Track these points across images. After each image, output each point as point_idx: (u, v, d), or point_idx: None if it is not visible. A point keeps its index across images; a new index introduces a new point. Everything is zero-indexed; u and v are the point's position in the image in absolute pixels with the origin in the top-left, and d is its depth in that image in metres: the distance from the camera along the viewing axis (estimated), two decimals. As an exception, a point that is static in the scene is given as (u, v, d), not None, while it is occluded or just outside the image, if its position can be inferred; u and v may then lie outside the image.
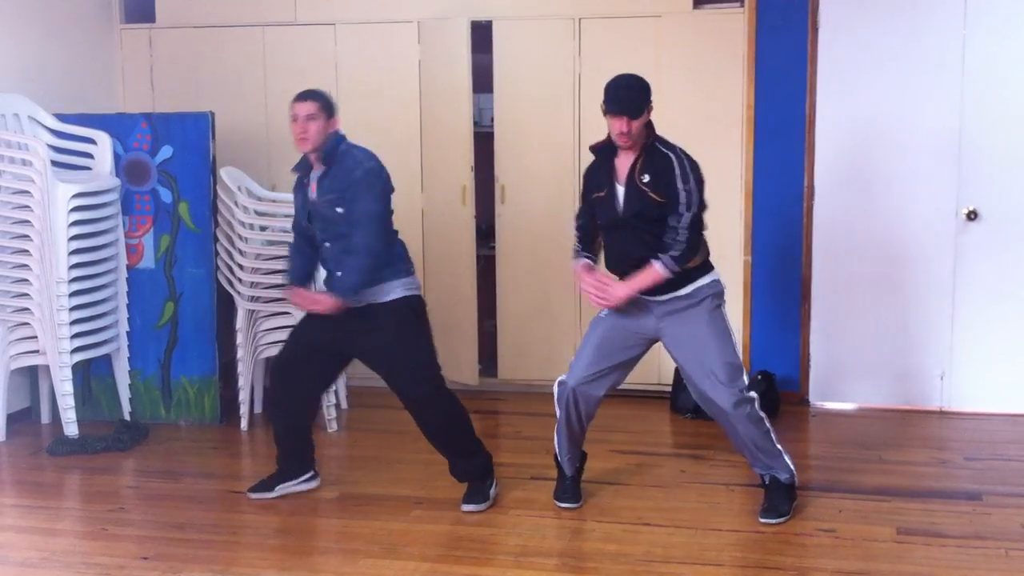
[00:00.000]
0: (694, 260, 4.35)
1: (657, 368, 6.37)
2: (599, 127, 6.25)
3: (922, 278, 6.06)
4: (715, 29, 6.17)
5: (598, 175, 4.47)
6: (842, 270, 6.18)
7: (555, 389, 4.63)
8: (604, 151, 4.45)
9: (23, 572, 4.12)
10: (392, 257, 4.57)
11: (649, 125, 4.36)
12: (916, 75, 5.97)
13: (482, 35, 6.42)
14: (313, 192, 4.56)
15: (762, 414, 4.47)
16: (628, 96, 4.28)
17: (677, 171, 4.26)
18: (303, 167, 4.64)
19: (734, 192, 6.16)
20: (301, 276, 4.77)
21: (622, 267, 4.45)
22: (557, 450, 4.75)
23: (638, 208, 4.31)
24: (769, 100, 6.13)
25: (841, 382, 6.26)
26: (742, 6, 6.13)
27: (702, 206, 4.33)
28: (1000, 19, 5.85)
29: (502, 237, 6.59)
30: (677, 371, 6.22)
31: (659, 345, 5.73)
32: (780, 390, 6.16)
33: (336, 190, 4.49)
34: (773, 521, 4.47)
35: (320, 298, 4.55)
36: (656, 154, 4.32)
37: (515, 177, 6.51)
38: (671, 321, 4.43)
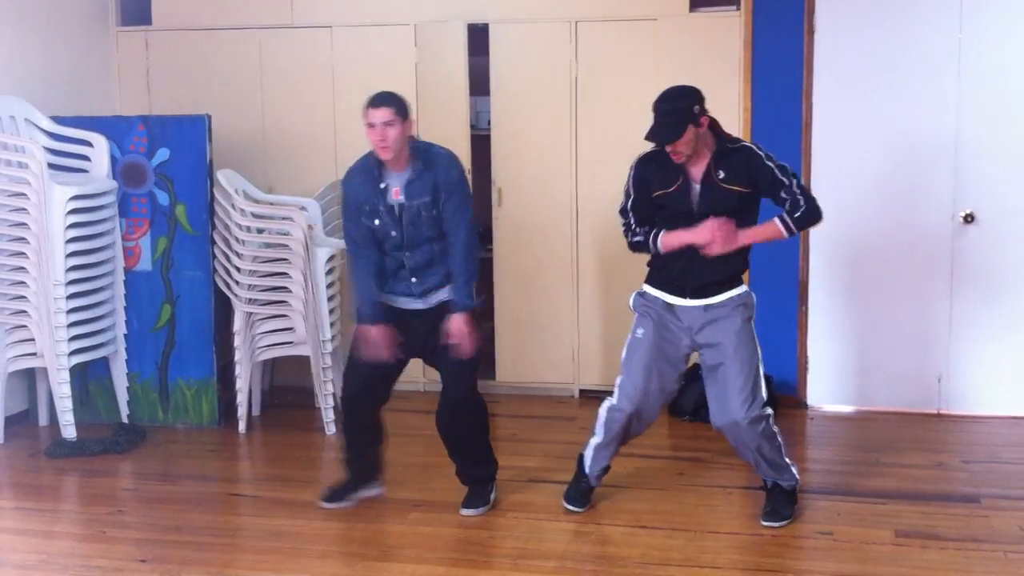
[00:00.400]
0: (818, 222, 4.41)
1: (679, 376, 6.37)
2: (596, 130, 6.30)
3: (920, 281, 6.07)
4: (711, 32, 6.17)
5: (665, 171, 4.37)
6: (839, 273, 6.18)
7: (603, 414, 4.58)
8: (662, 152, 4.36)
9: (21, 574, 4.12)
10: None
11: (714, 126, 4.36)
12: (912, 79, 5.98)
13: (479, 38, 6.43)
14: (397, 196, 4.42)
15: (775, 429, 4.47)
16: (662, 122, 4.25)
17: (760, 154, 4.33)
18: (371, 172, 4.45)
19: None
20: (379, 311, 4.51)
21: (686, 259, 4.38)
22: (589, 464, 4.70)
23: (716, 204, 4.31)
24: (765, 103, 6.14)
25: (839, 385, 6.27)
26: (738, 9, 6.14)
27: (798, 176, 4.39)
28: (996, 23, 5.85)
29: (499, 240, 6.59)
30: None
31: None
32: (778, 393, 6.15)
33: (430, 192, 4.38)
34: (775, 525, 4.47)
35: (458, 328, 4.41)
36: (727, 152, 4.34)
37: (512, 180, 6.51)
38: (703, 333, 4.42)
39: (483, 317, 6.67)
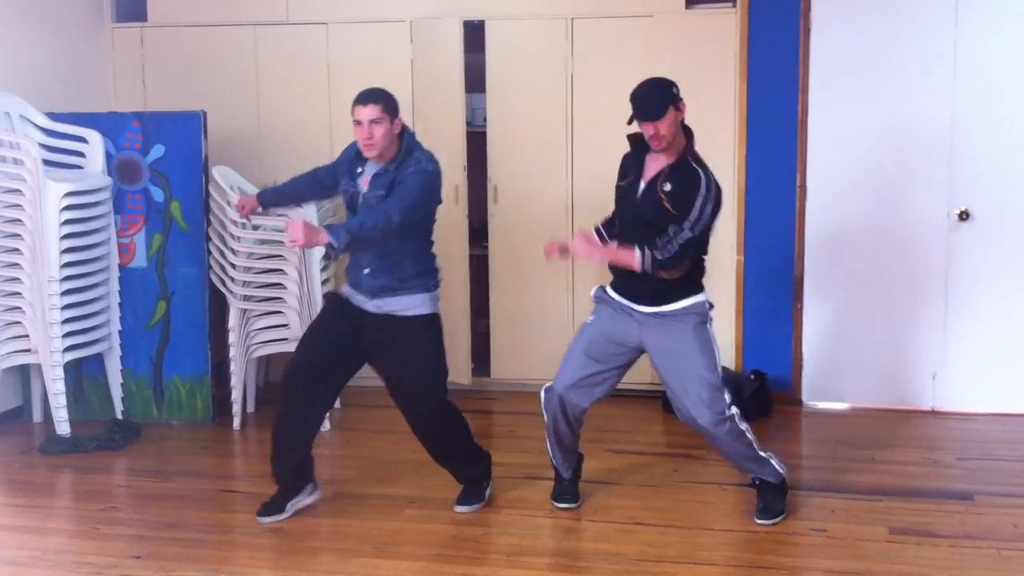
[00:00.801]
0: (673, 273, 4.29)
1: (650, 368, 6.36)
2: (592, 127, 6.30)
3: (914, 278, 6.08)
4: (707, 29, 6.17)
5: (628, 165, 4.46)
6: (834, 270, 6.19)
7: (542, 395, 4.62)
8: (641, 144, 4.39)
9: (14, 571, 4.11)
10: (424, 268, 4.49)
11: (688, 134, 4.35)
12: (908, 76, 5.98)
13: (475, 35, 6.42)
14: (364, 186, 4.42)
15: (743, 427, 4.41)
16: (647, 101, 4.26)
17: (702, 191, 4.23)
18: (359, 155, 4.46)
19: (727, 192, 6.12)
20: (276, 195, 4.87)
21: (662, 288, 4.39)
22: (551, 455, 4.74)
23: (650, 212, 4.29)
24: (761, 100, 6.14)
25: (834, 382, 6.27)
26: (734, 6, 6.14)
27: (706, 232, 4.30)
28: (991, 19, 5.86)
29: (495, 237, 6.59)
30: (670, 371, 6.23)
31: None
32: (772, 390, 6.17)
33: (385, 188, 4.36)
34: (769, 522, 4.47)
35: (294, 225, 4.07)
36: (686, 168, 4.29)
37: (508, 177, 6.51)
38: (654, 333, 4.40)
39: (478, 314, 6.72)
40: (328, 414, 5.89)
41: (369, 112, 4.30)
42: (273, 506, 4.63)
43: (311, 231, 4.04)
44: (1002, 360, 6.03)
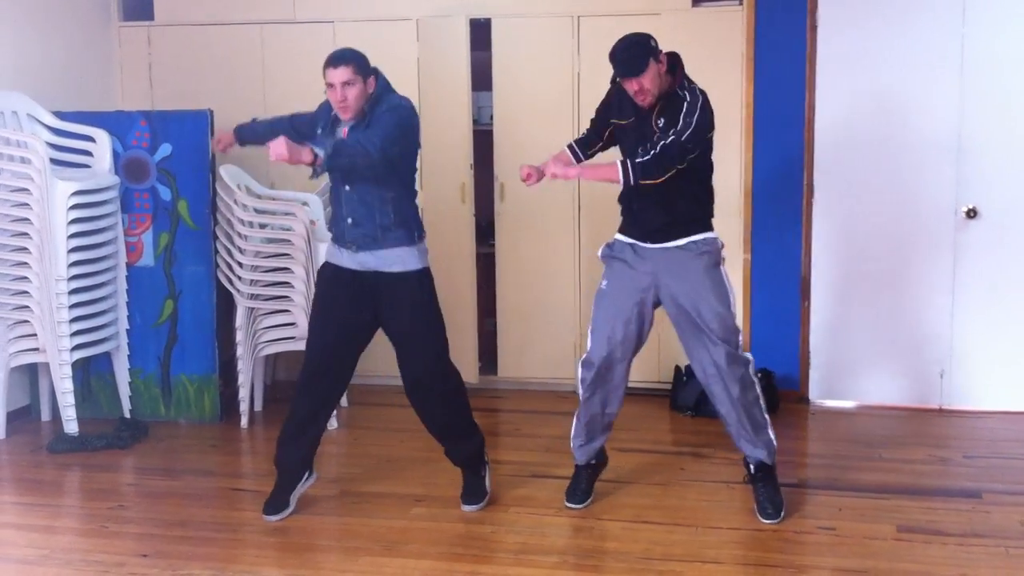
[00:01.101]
0: (657, 179, 4.22)
1: (657, 366, 6.38)
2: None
3: (922, 276, 6.07)
4: (714, 27, 6.17)
5: (623, 102, 4.44)
6: (842, 268, 6.18)
7: (579, 371, 4.60)
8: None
9: (23, 569, 4.12)
10: (406, 217, 4.45)
11: (675, 72, 4.34)
12: (915, 73, 5.97)
13: (481, 33, 6.42)
14: (344, 135, 4.39)
15: (755, 378, 4.47)
16: (626, 56, 4.29)
17: (686, 106, 4.25)
18: (335, 115, 4.45)
19: (733, 190, 6.16)
20: (254, 133, 4.79)
21: (633, 204, 4.43)
22: (572, 437, 4.70)
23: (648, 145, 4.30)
24: (768, 98, 6.13)
25: (841, 380, 6.26)
26: (741, 4, 6.13)
27: (699, 145, 4.26)
28: (999, 17, 5.85)
29: (502, 235, 6.59)
30: (677, 368, 6.23)
31: (657, 342, 5.75)
32: (779, 388, 6.17)
33: (374, 134, 4.32)
34: (775, 521, 4.45)
35: (277, 142, 4.11)
36: (674, 97, 4.32)
37: (515, 175, 6.45)
38: (666, 271, 4.42)
39: (485, 312, 6.72)
40: (336, 412, 5.91)
41: (341, 74, 4.29)
42: (278, 503, 4.64)
43: (293, 147, 4.09)
44: (1010, 358, 6.02)
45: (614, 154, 4.57)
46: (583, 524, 4.53)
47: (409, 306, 4.47)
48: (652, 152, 4.20)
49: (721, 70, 6.14)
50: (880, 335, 6.17)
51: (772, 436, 4.55)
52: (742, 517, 4.56)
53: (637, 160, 4.21)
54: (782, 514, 4.49)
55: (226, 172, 5.92)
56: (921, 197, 6.02)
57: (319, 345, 4.53)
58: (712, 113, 4.33)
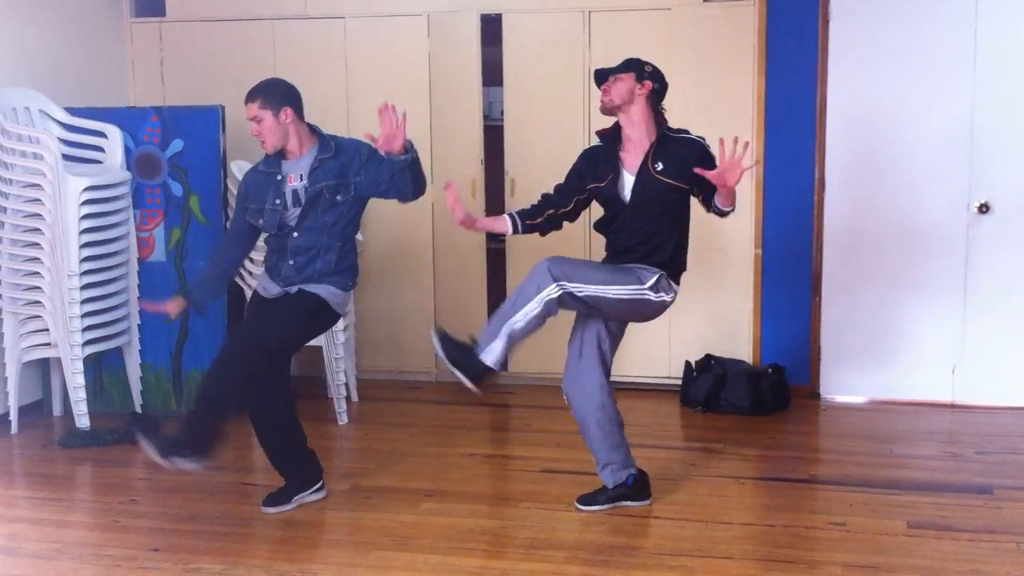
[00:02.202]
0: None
1: (668, 361, 6.37)
2: (609, 120, 6.27)
3: (933, 271, 6.05)
4: (725, 21, 6.15)
5: (601, 165, 4.45)
6: (853, 263, 6.17)
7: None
8: (610, 139, 4.46)
9: (35, 564, 4.14)
10: (345, 265, 4.53)
11: (659, 116, 4.41)
12: (927, 67, 5.95)
13: (492, 28, 6.42)
14: (293, 182, 4.41)
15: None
16: (607, 68, 4.40)
17: (707, 147, 4.34)
18: (272, 165, 4.47)
19: (745, 185, 6.12)
20: (209, 292, 4.74)
21: (635, 248, 4.40)
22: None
23: (649, 196, 4.32)
24: (780, 93, 6.12)
25: (852, 375, 6.25)
26: (752, -2, 6.13)
27: None
28: (1012, 11, 5.83)
29: (512, 230, 6.58)
30: (687, 364, 6.23)
31: (667, 337, 5.75)
32: (790, 383, 6.16)
33: (335, 176, 4.39)
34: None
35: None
36: (666, 139, 4.35)
37: (525, 170, 6.51)
38: None
39: (495, 308, 6.71)
40: (345, 408, 5.92)
41: (249, 111, 4.38)
42: (279, 498, 4.67)
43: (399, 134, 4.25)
44: (1022, 353, 6.00)
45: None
46: (593, 519, 4.52)
47: (286, 308, 4.47)
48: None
49: (733, 65, 6.13)
50: (891, 330, 6.15)
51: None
52: (753, 512, 4.56)
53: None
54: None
55: (237, 167, 5.94)
56: (933, 192, 6.01)
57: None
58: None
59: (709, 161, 4.31)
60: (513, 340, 4.35)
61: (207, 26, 6.79)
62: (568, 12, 6.34)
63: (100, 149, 5.89)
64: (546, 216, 4.56)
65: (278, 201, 4.43)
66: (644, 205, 4.35)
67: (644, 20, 6.24)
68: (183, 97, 6.63)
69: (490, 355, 4.31)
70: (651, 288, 4.33)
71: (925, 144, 5.99)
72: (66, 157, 5.69)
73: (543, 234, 4.62)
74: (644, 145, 4.37)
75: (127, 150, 5.93)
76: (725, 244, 6.24)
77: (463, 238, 6.44)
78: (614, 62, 5.84)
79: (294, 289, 4.48)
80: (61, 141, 5.72)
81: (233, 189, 5.90)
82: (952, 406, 6.10)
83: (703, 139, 4.40)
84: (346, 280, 4.55)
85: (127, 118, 5.98)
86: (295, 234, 4.44)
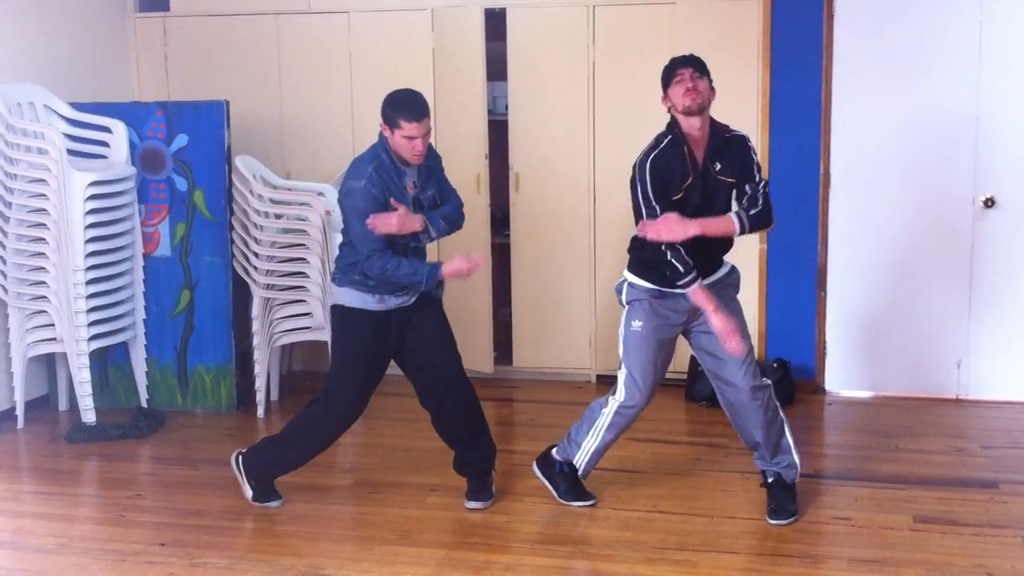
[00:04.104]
0: (771, 222, 4.36)
1: (673, 357, 6.36)
2: (613, 115, 6.28)
3: (939, 266, 6.04)
4: (730, 16, 6.14)
5: (672, 172, 4.22)
6: (858, 258, 6.16)
7: (611, 414, 4.45)
8: (674, 144, 4.24)
9: (41, 558, 4.15)
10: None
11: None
12: (933, 62, 5.94)
13: (496, 23, 6.41)
14: (412, 190, 4.36)
15: (777, 403, 4.47)
16: (692, 57, 4.26)
17: (752, 146, 4.34)
18: (395, 166, 4.33)
19: (749, 180, 6.14)
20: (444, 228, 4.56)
21: (699, 249, 4.28)
22: (585, 466, 4.57)
23: (713, 197, 4.28)
24: (785, 88, 6.11)
25: (857, 370, 6.25)
26: (757, -7, 6.11)
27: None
28: (1017, 6, 5.81)
29: (517, 225, 6.59)
30: (692, 359, 6.22)
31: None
32: (795, 378, 6.15)
33: (434, 184, 4.46)
34: (784, 522, 4.38)
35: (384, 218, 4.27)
36: (724, 142, 4.28)
37: (530, 165, 6.50)
38: (697, 311, 4.35)
39: (500, 302, 6.73)
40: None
41: (423, 128, 4.25)
42: (273, 490, 4.71)
43: (405, 219, 4.25)
44: (1027, 348, 6.00)
45: None
46: (598, 514, 4.53)
47: (436, 313, 4.54)
48: (759, 204, 4.26)
49: (737, 60, 6.12)
50: (897, 325, 6.15)
51: (796, 460, 4.50)
52: (758, 507, 4.55)
53: (749, 212, 4.25)
54: (791, 520, 4.40)
55: (242, 163, 5.94)
56: (939, 186, 6.00)
57: (363, 394, 4.59)
58: None
59: (749, 160, 4.31)
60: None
61: (211, 21, 6.79)
62: (572, 7, 6.33)
63: (105, 144, 5.89)
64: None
65: (406, 203, 4.35)
66: (710, 206, 4.29)
67: (648, 15, 6.23)
68: (187, 92, 6.63)
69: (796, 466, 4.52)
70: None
71: (930, 139, 5.98)
72: (71, 152, 5.69)
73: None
74: (702, 145, 4.26)
75: (132, 145, 5.93)
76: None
77: (468, 233, 6.39)
78: (619, 57, 5.86)
79: (414, 296, 4.45)
80: (66, 136, 5.73)
81: (238, 184, 5.92)
82: (957, 400, 6.10)
83: (747, 136, 4.39)
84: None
85: (132, 113, 5.98)
86: (412, 244, 4.40)
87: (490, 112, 6.49)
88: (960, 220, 5.98)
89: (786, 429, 4.49)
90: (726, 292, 4.43)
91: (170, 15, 6.87)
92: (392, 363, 4.58)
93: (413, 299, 4.46)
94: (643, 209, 4.24)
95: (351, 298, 4.41)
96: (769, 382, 4.46)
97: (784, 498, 4.47)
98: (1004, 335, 6.01)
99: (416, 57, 6.52)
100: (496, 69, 6.48)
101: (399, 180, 4.33)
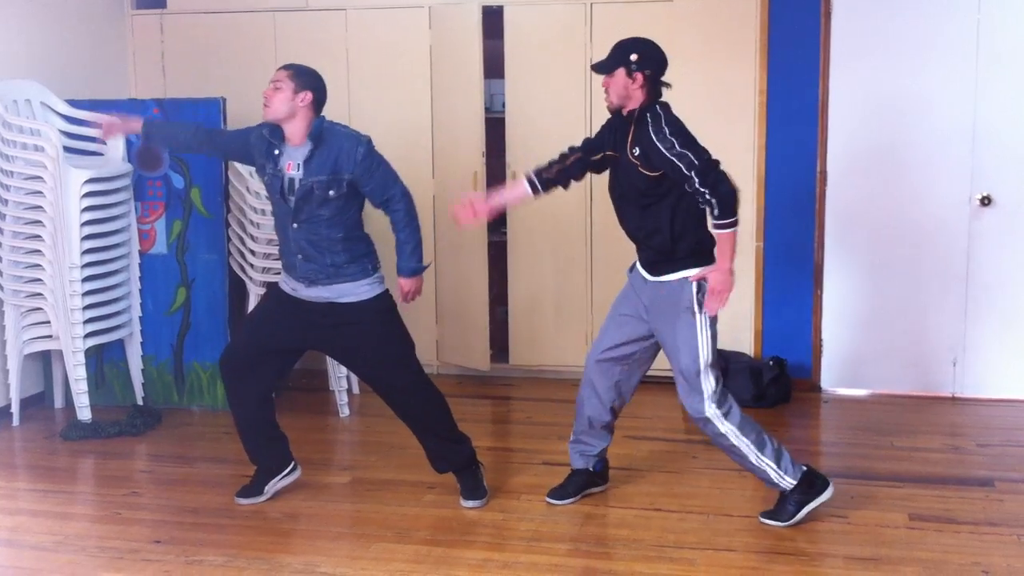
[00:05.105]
0: (736, 196, 4.09)
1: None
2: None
3: (935, 264, 6.05)
4: (727, 13, 6.14)
5: (615, 135, 4.27)
6: (855, 256, 6.16)
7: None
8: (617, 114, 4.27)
9: (37, 556, 4.15)
10: (358, 254, 4.40)
11: (651, 91, 4.16)
12: (930, 60, 5.94)
13: (493, 20, 6.41)
14: (291, 170, 4.32)
15: (728, 429, 4.26)
16: (607, 55, 4.21)
17: (653, 137, 4.06)
18: (274, 133, 4.36)
19: (746, 178, 6.13)
20: (164, 135, 4.72)
21: (638, 237, 4.33)
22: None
23: (632, 182, 4.19)
24: (782, 85, 6.11)
25: (853, 368, 6.25)
26: (755, -10, 6.11)
27: (705, 153, 4.06)
28: (1015, 4, 5.81)
29: (513, 223, 6.58)
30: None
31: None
32: (792, 376, 6.16)
33: (328, 172, 4.29)
34: (769, 523, 4.34)
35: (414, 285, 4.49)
36: (642, 124, 4.14)
37: (527, 163, 6.43)
38: (653, 311, 4.33)
39: (496, 300, 6.73)
40: (347, 400, 5.93)
41: (276, 75, 4.34)
42: (252, 488, 4.69)
43: (415, 282, 4.47)
44: (1023, 346, 5.99)
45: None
46: (595, 512, 4.53)
47: (366, 334, 4.42)
48: (711, 201, 4.03)
49: (735, 57, 6.12)
50: (893, 323, 6.15)
51: (777, 474, 4.32)
52: (754, 505, 4.55)
53: (715, 216, 4.06)
54: (779, 524, 4.34)
55: (238, 160, 5.93)
56: (935, 185, 6.00)
57: (242, 346, 4.56)
58: (676, 121, 4.16)
59: (656, 151, 4.07)
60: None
61: (208, 18, 6.78)
62: (570, 4, 6.33)
63: (102, 141, 5.88)
64: (554, 171, 4.43)
65: (270, 171, 4.36)
66: (632, 191, 4.24)
67: (646, 12, 6.23)
68: (184, 89, 6.63)
69: (785, 480, 4.34)
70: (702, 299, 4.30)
71: (927, 137, 5.98)
72: (67, 149, 5.68)
73: (565, 186, 4.50)
74: (631, 127, 4.20)
75: (128, 143, 5.92)
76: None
77: (465, 231, 6.43)
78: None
79: (318, 298, 4.39)
80: (62, 133, 5.72)
81: (235, 182, 5.91)
82: (953, 399, 6.11)
83: (656, 114, 4.14)
84: (365, 266, 4.43)
85: (129, 110, 5.91)
86: (294, 225, 4.34)
87: (487, 109, 6.48)
88: (957, 218, 5.99)
89: (749, 452, 4.31)
90: (665, 309, 4.29)
91: (167, 12, 6.86)
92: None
93: (320, 300, 4.39)
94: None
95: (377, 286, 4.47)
96: (716, 413, 4.26)
97: (782, 506, 4.37)
98: (1000, 333, 6.02)
99: (413, 54, 6.51)
100: (493, 66, 6.47)
101: (270, 149, 4.36)
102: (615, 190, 4.36)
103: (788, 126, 6.13)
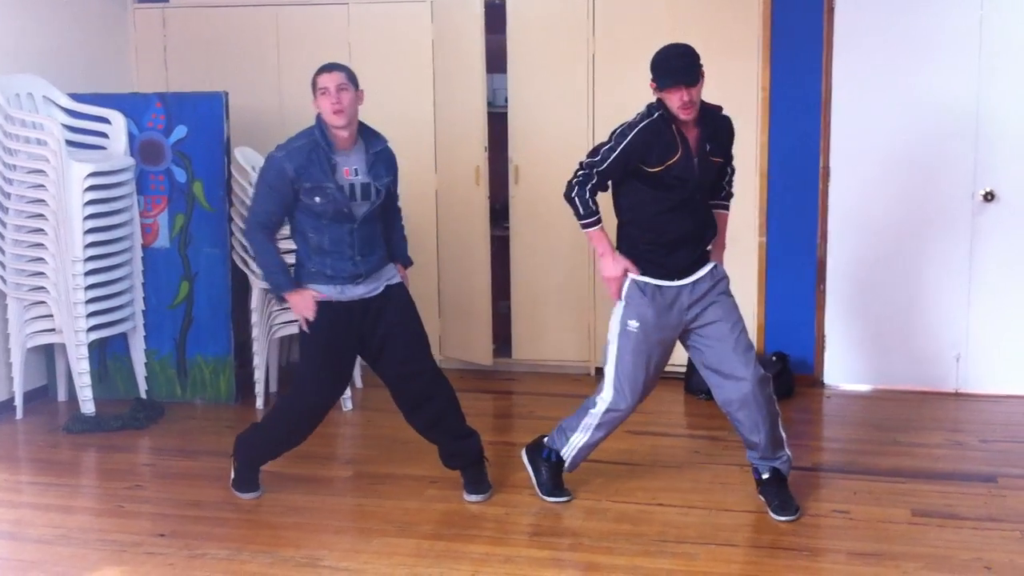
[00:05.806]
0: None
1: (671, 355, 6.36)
2: (613, 107, 6.27)
3: (938, 259, 6.04)
4: (730, 8, 6.13)
5: (664, 140, 4.17)
6: (857, 251, 6.16)
7: (599, 414, 4.42)
8: (663, 121, 4.20)
9: (40, 549, 4.15)
10: (384, 242, 4.53)
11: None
12: (933, 55, 5.93)
13: (495, 14, 6.40)
14: (350, 175, 4.26)
15: (774, 395, 4.44)
16: (683, 64, 4.13)
17: (733, 130, 4.41)
18: (319, 149, 4.23)
19: (749, 173, 6.13)
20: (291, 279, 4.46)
21: (694, 235, 4.31)
22: (572, 460, 4.57)
23: (709, 176, 4.30)
24: (785, 80, 6.10)
25: (856, 363, 6.25)
26: (758, -15, 6.10)
27: None
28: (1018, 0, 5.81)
29: (516, 218, 6.58)
30: (691, 352, 6.22)
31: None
32: (795, 372, 6.16)
33: (389, 170, 4.41)
34: (793, 517, 4.35)
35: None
36: (710, 118, 4.27)
37: (529, 158, 6.50)
38: (694, 307, 4.32)
39: (499, 295, 6.73)
40: (350, 394, 5.93)
41: (336, 79, 4.28)
42: (254, 482, 4.70)
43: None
44: (1026, 342, 6.01)
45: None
46: (597, 506, 4.53)
47: (412, 311, 4.52)
48: (731, 190, 4.54)
49: (737, 52, 6.11)
50: (896, 318, 6.15)
51: (787, 450, 4.45)
52: (756, 500, 4.55)
53: (728, 202, 4.55)
54: (798, 516, 4.37)
55: (241, 154, 5.94)
56: (938, 180, 5.99)
57: (327, 389, 4.50)
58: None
59: (727, 140, 4.43)
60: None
61: (210, 12, 6.78)
62: (573, -1, 6.32)
63: (104, 135, 5.89)
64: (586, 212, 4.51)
65: (331, 187, 4.24)
66: (702, 186, 4.31)
67: (648, 7, 6.22)
68: (187, 83, 6.63)
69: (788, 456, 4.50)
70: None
71: (930, 132, 5.97)
72: (70, 143, 5.69)
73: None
74: (693, 126, 4.22)
75: (131, 136, 5.92)
76: (729, 232, 6.21)
77: (467, 225, 6.44)
78: (618, 49, 5.84)
79: (376, 291, 4.41)
80: (65, 127, 5.72)
81: (237, 176, 5.91)
82: (956, 394, 6.10)
83: (722, 114, 4.44)
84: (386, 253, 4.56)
85: (131, 104, 5.97)
86: (355, 226, 4.31)
87: (490, 104, 6.48)
88: (960, 214, 5.98)
89: (779, 421, 4.45)
90: (714, 292, 4.36)
91: (169, 6, 6.86)
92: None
93: (377, 291, 4.42)
94: (597, 157, 4.27)
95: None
96: (770, 375, 4.41)
97: (785, 493, 4.44)
98: (1003, 329, 6.01)
99: (415, 49, 6.51)
100: (496, 61, 6.47)
101: (328, 163, 4.25)
102: (679, 192, 4.23)
103: (791, 121, 6.12)
